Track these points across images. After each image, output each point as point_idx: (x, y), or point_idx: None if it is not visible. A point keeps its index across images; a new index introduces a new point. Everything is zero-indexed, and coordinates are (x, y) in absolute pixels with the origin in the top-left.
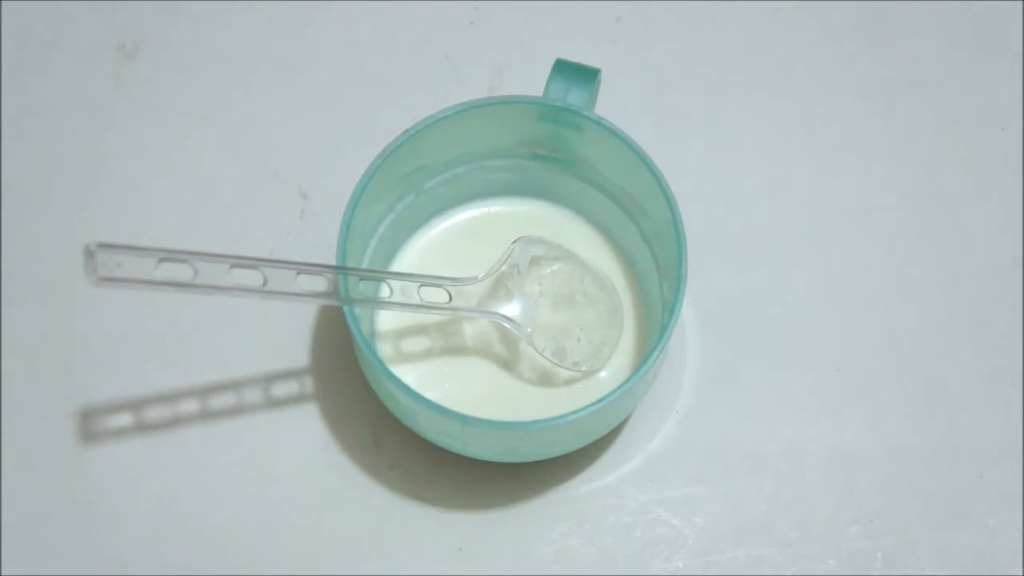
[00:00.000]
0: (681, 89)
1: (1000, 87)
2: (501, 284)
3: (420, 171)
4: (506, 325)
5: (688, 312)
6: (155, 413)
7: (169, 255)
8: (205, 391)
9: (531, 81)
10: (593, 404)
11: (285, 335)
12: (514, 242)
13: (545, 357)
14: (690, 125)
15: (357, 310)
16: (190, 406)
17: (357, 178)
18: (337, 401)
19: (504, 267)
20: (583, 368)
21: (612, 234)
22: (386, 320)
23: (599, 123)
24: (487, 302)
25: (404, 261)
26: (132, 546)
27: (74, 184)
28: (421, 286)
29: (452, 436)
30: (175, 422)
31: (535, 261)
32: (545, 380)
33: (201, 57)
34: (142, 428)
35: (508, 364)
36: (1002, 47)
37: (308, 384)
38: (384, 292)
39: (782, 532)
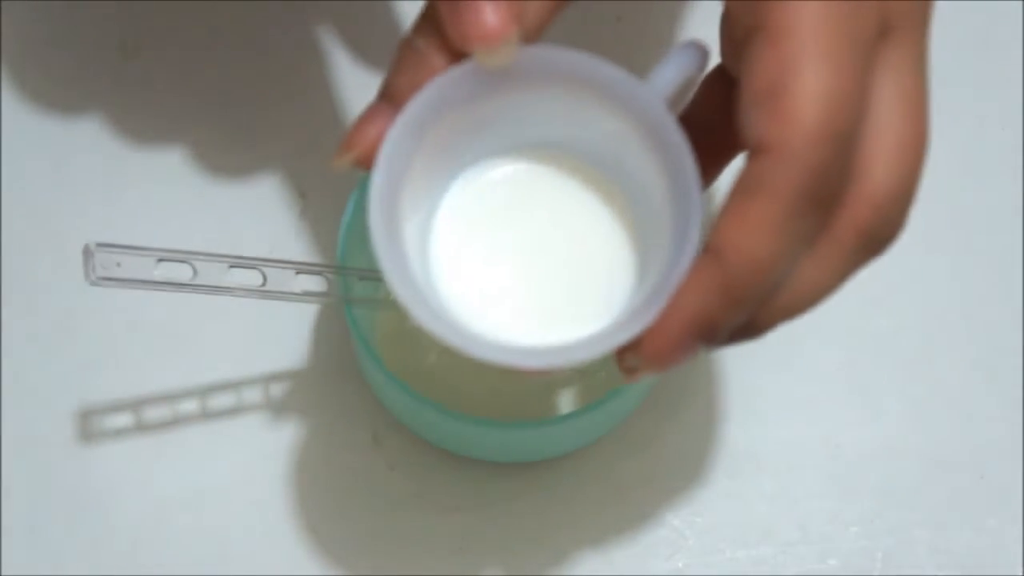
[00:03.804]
0: None
1: (1000, 87)
2: None
3: None
4: None
5: None
6: (155, 413)
7: (168, 255)
8: (205, 391)
9: None
10: (593, 404)
11: (285, 335)
12: None
13: None
14: None
15: (357, 310)
16: (190, 406)
17: (357, 178)
18: (337, 401)
19: None
20: (582, 368)
21: None
22: (386, 320)
23: None
24: None
25: None
26: (132, 546)
27: (74, 184)
28: None
29: (452, 436)
30: (175, 422)
31: None
32: (545, 380)
33: (201, 57)
34: (142, 428)
35: None
36: (1002, 47)
37: (308, 384)
38: (384, 292)
39: (782, 532)
